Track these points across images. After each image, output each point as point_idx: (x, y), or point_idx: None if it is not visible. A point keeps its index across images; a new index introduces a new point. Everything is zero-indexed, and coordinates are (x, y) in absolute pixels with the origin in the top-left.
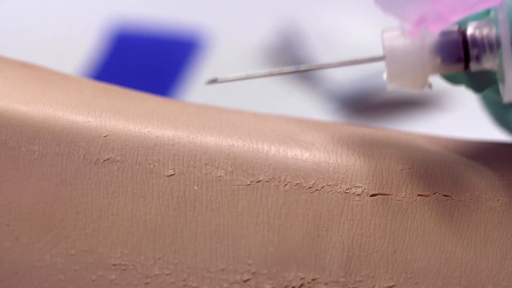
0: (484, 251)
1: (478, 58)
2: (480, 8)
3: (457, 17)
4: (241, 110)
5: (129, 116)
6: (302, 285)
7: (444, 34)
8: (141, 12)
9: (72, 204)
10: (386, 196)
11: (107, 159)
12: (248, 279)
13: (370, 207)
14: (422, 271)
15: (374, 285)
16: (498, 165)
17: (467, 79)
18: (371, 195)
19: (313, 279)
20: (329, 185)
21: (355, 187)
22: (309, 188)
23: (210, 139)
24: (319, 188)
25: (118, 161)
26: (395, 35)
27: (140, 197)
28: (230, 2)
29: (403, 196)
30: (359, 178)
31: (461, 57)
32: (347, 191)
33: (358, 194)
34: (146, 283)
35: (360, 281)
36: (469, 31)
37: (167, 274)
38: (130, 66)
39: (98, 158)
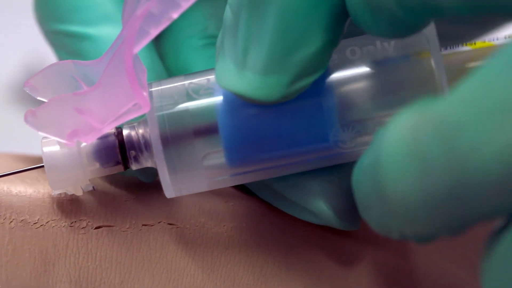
0: (212, 277)
1: (136, 159)
2: (131, 117)
3: (108, 128)
4: None
5: None
6: None
7: (101, 138)
8: None
9: None
10: (110, 227)
11: None
12: None
13: (96, 240)
14: None
15: None
16: (224, 191)
17: (136, 172)
18: (96, 228)
19: None
20: (54, 219)
21: (80, 220)
22: (34, 224)
23: None
24: (44, 223)
25: None
26: (54, 142)
27: None
28: None
29: (128, 226)
30: (83, 211)
31: (119, 161)
32: (72, 225)
33: (83, 227)
34: None
35: None
36: (125, 132)
37: None
38: None
39: None
